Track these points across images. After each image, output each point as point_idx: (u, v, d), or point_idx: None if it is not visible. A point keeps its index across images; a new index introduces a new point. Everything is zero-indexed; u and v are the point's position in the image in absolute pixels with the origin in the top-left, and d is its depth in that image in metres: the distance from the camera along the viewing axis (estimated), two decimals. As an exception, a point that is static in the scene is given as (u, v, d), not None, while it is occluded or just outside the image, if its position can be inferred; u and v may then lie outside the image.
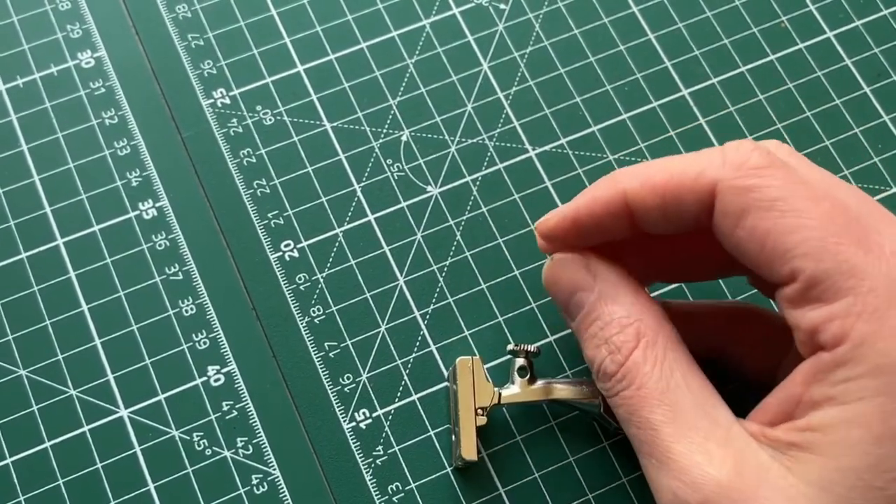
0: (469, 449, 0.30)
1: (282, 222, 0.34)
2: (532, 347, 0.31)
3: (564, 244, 0.29)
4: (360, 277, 0.34)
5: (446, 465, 0.31)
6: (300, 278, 0.34)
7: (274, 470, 0.31)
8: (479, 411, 0.30)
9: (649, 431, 0.25)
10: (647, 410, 0.26)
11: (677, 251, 0.30)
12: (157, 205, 0.35)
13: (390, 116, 0.36)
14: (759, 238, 0.24)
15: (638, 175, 0.27)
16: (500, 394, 0.31)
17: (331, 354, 0.33)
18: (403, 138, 0.36)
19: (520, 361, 0.31)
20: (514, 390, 0.31)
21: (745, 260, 0.25)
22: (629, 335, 0.26)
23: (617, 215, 0.27)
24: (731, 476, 0.24)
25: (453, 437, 0.31)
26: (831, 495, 0.23)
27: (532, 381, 0.31)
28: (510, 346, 0.31)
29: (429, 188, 0.35)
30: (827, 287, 0.23)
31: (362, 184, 0.35)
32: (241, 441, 0.32)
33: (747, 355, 0.30)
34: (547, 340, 0.33)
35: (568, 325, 0.29)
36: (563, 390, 0.31)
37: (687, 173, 0.26)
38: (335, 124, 0.36)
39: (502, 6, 0.38)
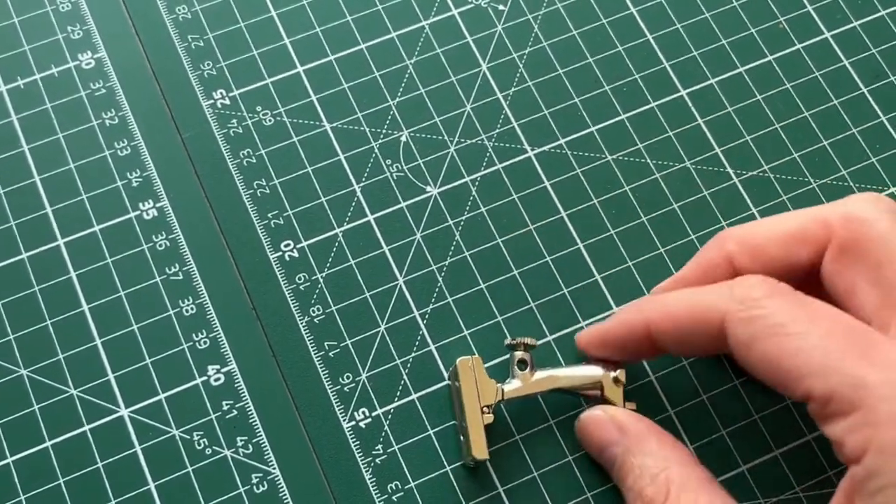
0: (480, 448, 0.30)
1: (281, 222, 0.35)
2: (529, 340, 0.31)
3: (599, 354, 0.31)
4: (359, 277, 0.34)
5: (445, 464, 0.32)
6: (300, 278, 0.34)
7: (274, 469, 0.31)
8: (485, 409, 0.31)
9: None
10: None
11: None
12: (158, 205, 0.35)
13: (389, 117, 0.36)
14: (770, 363, 0.26)
15: (660, 307, 0.29)
16: (503, 390, 0.31)
17: (330, 354, 0.33)
18: (403, 139, 0.36)
19: (519, 355, 0.31)
20: (516, 384, 0.31)
21: (765, 382, 0.27)
22: (660, 485, 0.28)
23: (640, 340, 0.30)
24: None
25: (461, 437, 0.31)
26: None
27: (532, 372, 0.31)
28: (508, 341, 0.32)
29: (428, 188, 0.35)
30: (839, 402, 0.24)
31: (362, 184, 0.35)
32: (241, 440, 0.32)
33: None
34: (546, 340, 0.33)
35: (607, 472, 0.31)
36: (564, 378, 0.31)
37: (699, 306, 0.28)
38: (335, 125, 0.36)
39: (501, 7, 0.38)
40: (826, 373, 0.24)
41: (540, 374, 0.31)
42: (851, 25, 0.38)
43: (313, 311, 0.33)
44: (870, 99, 0.37)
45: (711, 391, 0.33)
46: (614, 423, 0.30)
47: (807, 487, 0.31)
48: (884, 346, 0.25)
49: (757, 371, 0.27)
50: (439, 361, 0.33)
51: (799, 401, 0.26)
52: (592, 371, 0.31)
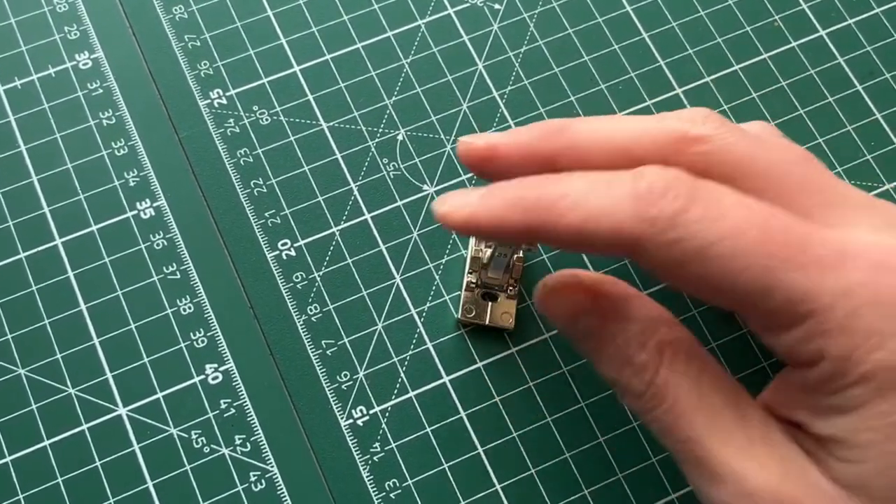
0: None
1: (279, 221, 0.35)
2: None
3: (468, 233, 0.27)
4: (356, 276, 0.34)
5: (443, 461, 0.32)
6: (297, 277, 0.34)
7: (272, 467, 0.32)
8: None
9: (692, 445, 0.24)
10: (686, 425, 0.24)
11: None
12: (155, 204, 0.35)
13: (386, 116, 0.36)
14: (700, 285, 0.24)
15: (549, 207, 0.24)
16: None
17: (328, 352, 0.33)
18: (399, 137, 0.36)
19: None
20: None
21: (695, 291, 0.24)
22: (651, 352, 0.25)
23: (524, 240, 0.27)
24: (780, 480, 0.23)
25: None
26: (866, 498, 0.23)
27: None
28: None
29: (425, 187, 0.35)
30: (785, 315, 0.23)
31: (358, 183, 0.35)
32: (239, 438, 0.32)
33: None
34: (543, 337, 0.33)
35: (575, 349, 0.28)
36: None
37: (602, 224, 0.24)
38: (331, 124, 0.36)
39: (497, 6, 0.38)
40: (768, 289, 0.23)
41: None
42: (846, 23, 0.38)
43: (311, 310, 0.33)
44: (864, 96, 0.37)
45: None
46: (585, 289, 0.27)
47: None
48: (817, 238, 0.23)
49: (688, 289, 0.24)
50: (437, 359, 0.33)
51: (737, 312, 0.24)
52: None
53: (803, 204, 0.24)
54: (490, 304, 0.32)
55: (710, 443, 0.24)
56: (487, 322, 0.32)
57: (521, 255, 0.33)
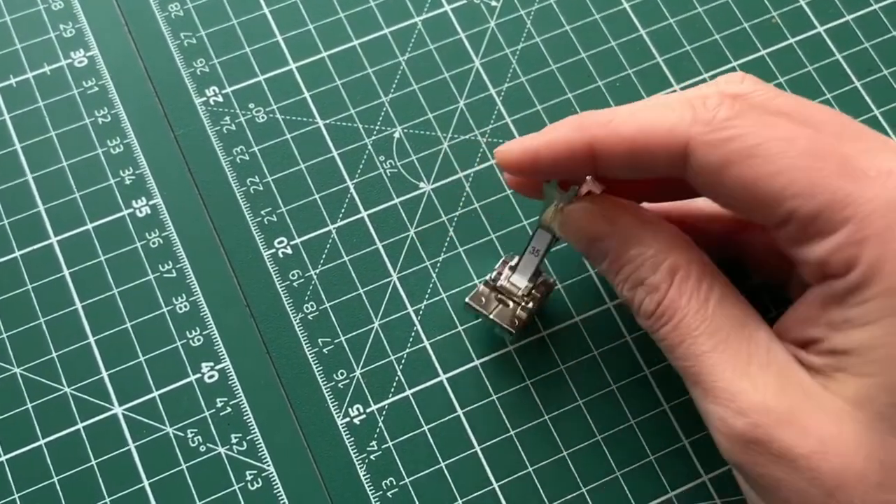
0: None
1: (275, 219, 0.35)
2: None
3: (522, 175, 0.29)
4: (353, 274, 0.34)
5: (440, 459, 0.32)
6: (293, 275, 0.34)
7: (268, 466, 0.31)
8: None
9: (693, 362, 0.26)
10: (689, 342, 0.26)
11: (637, 193, 0.30)
12: (151, 202, 0.35)
13: (383, 113, 0.36)
14: (745, 187, 0.24)
15: (605, 123, 0.27)
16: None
17: (324, 350, 0.33)
18: (396, 135, 0.36)
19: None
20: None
21: (734, 209, 0.26)
22: (663, 273, 0.27)
23: (580, 160, 0.27)
24: (776, 398, 0.24)
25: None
26: (869, 412, 0.23)
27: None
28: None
29: (421, 184, 0.35)
30: (825, 221, 0.24)
31: (355, 180, 0.35)
32: (236, 437, 0.32)
33: (760, 259, 0.30)
34: (540, 335, 0.33)
35: (592, 266, 0.29)
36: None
37: (657, 128, 0.26)
38: (328, 121, 0.36)
39: (493, 3, 0.38)
40: (811, 192, 0.24)
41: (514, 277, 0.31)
42: (844, 19, 0.38)
43: (307, 308, 0.33)
44: (863, 93, 0.37)
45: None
46: (604, 214, 0.28)
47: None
48: (863, 158, 0.24)
49: (722, 198, 0.26)
50: (433, 357, 0.33)
51: (769, 225, 0.25)
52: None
53: (845, 146, 0.25)
54: (500, 305, 0.32)
55: (710, 362, 0.25)
56: (491, 315, 0.31)
57: (548, 280, 0.32)
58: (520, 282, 0.31)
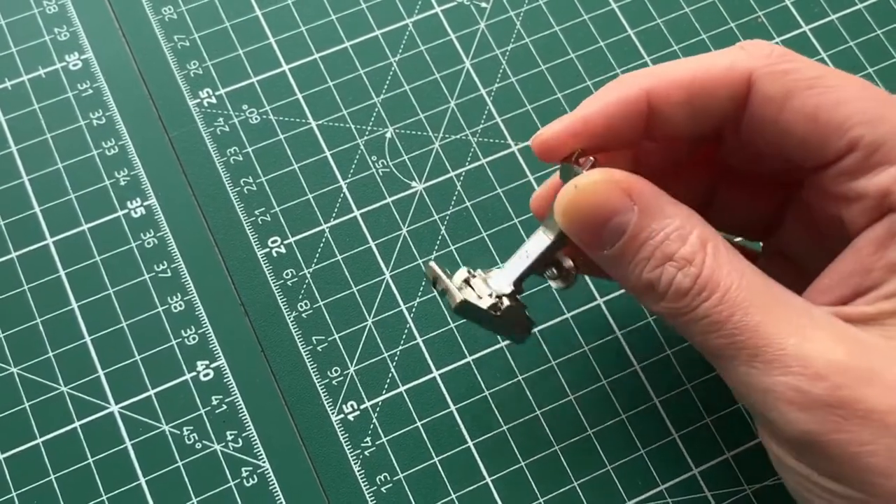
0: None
1: (269, 219, 0.35)
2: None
3: (560, 153, 0.27)
4: (346, 272, 0.34)
5: (434, 455, 0.32)
6: (287, 274, 0.34)
7: (263, 462, 0.32)
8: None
9: (749, 334, 0.23)
10: (740, 315, 0.24)
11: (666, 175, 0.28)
12: (146, 203, 0.35)
13: (374, 114, 0.37)
14: (808, 116, 0.25)
15: (657, 74, 0.26)
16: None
17: (318, 348, 0.33)
18: (388, 135, 0.36)
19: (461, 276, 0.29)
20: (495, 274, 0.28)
21: (791, 143, 0.25)
22: (695, 244, 0.24)
23: (633, 117, 0.26)
24: (849, 357, 0.23)
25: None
26: None
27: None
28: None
29: (413, 184, 0.36)
30: (890, 149, 0.24)
31: (348, 180, 0.36)
32: (231, 434, 0.32)
33: (742, 201, 0.30)
34: (534, 333, 0.33)
35: (593, 256, 0.26)
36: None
37: (715, 67, 0.26)
38: (320, 122, 0.36)
39: (483, 4, 0.39)
40: (876, 121, 0.24)
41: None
42: (829, 19, 0.39)
43: (301, 306, 0.34)
44: (848, 91, 0.37)
45: (694, 380, 0.33)
46: (622, 188, 0.25)
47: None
48: None
49: (783, 131, 0.25)
50: (426, 354, 0.33)
51: (827, 158, 0.25)
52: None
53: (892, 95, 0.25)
54: (466, 287, 0.28)
55: (769, 331, 0.23)
56: (449, 284, 0.28)
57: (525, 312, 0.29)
58: (498, 283, 0.28)
